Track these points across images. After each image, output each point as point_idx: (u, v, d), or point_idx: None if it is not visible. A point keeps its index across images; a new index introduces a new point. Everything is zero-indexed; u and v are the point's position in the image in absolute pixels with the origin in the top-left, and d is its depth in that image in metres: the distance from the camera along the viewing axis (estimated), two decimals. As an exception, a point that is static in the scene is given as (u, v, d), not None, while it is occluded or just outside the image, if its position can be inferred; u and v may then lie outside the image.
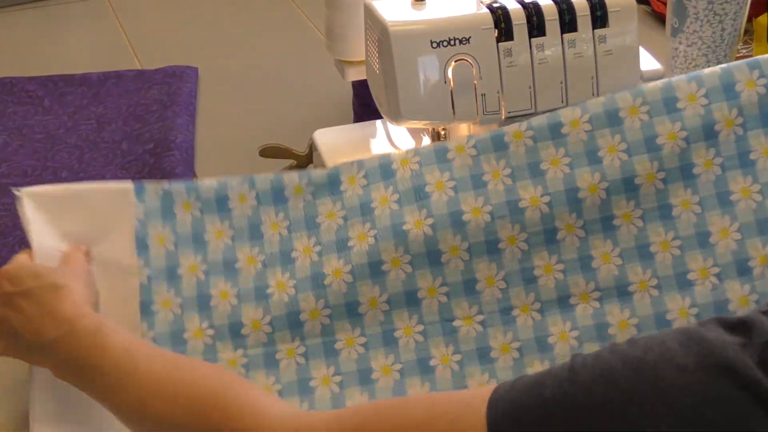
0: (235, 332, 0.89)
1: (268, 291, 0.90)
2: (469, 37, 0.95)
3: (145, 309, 0.89)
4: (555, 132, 0.91)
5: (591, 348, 0.88)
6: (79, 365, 0.80)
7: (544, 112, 0.98)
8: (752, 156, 0.89)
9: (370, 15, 0.98)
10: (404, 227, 0.89)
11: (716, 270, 0.89)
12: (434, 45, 0.95)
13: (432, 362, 0.89)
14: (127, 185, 0.91)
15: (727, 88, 0.89)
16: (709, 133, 0.89)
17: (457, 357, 0.89)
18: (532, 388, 0.64)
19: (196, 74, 1.48)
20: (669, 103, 0.90)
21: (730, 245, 0.89)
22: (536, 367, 0.88)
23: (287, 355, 0.89)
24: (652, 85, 0.90)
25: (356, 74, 1.13)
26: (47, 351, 0.81)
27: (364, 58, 1.06)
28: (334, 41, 1.12)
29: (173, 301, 0.89)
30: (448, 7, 0.98)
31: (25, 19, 1.71)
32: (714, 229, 0.89)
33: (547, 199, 0.89)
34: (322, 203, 0.93)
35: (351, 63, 1.12)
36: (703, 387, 0.60)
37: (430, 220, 0.89)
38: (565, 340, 0.89)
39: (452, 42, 0.95)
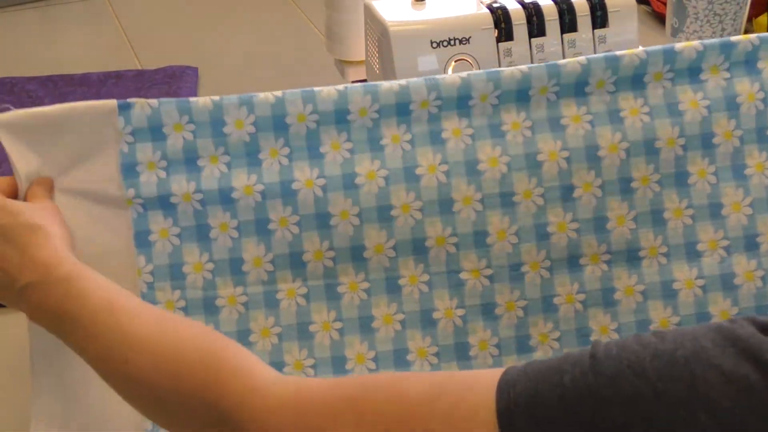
0: (235, 268, 0.87)
1: (270, 227, 0.87)
2: (469, 37, 0.95)
3: (141, 240, 0.85)
4: (579, 90, 0.89)
5: (595, 314, 0.88)
6: (55, 314, 0.74)
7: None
8: None
9: (370, 15, 0.98)
10: (417, 171, 0.87)
11: (725, 243, 0.89)
12: (434, 45, 0.95)
13: (435, 315, 0.88)
14: (111, 102, 0.85)
15: (750, 64, 0.89)
16: (731, 104, 0.89)
17: (461, 311, 0.88)
18: (548, 375, 0.60)
19: (196, 74, 1.48)
20: (693, 74, 0.89)
21: (741, 219, 0.89)
22: (540, 327, 0.88)
23: (288, 295, 0.87)
24: (678, 48, 0.89)
25: (356, 74, 1.13)
26: (21, 295, 0.76)
27: (364, 58, 1.06)
28: (334, 41, 1.12)
29: (170, 231, 0.86)
30: (448, 7, 0.98)
31: (25, 19, 1.71)
32: (727, 201, 0.89)
33: (566, 154, 0.87)
34: (326, 131, 0.87)
35: (351, 63, 1.12)
36: (745, 393, 0.57)
37: (444, 167, 0.87)
38: (571, 303, 0.88)
39: (452, 42, 0.95)
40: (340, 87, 0.87)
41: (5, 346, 1.00)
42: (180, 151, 0.86)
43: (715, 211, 0.89)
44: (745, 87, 0.89)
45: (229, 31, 1.64)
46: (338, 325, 0.87)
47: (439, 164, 0.86)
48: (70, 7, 1.75)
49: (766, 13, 1.36)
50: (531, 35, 0.96)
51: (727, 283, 0.88)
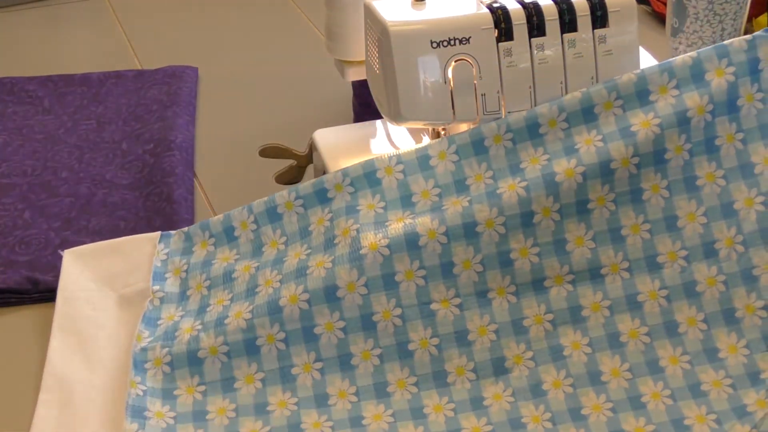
0: (219, 327, 0.92)
1: (257, 290, 0.93)
2: (469, 37, 0.95)
3: (149, 322, 0.95)
4: (533, 132, 0.94)
5: (565, 331, 0.90)
6: None
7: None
8: (717, 142, 0.92)
9: (370, 15, 0.98)
10: (386, 223, 0.92)
11: (684, 253, 0.91)
12: (434, 45, 0.95)
13: (410, 346, 0.90)
14: (155, 234, 1.02)
15: (697, 78, 0.93)
16: (681, 120, 0.92)
17: (435, 341, 0.90)
18: None
19: (196, 74, 1.48)
20: (642, 96, 0.93)
21: (697, 228, 0.91)
22: (512, 348, 0.90)
23: (267, 340, 0.91)
24: (626, 78, 0.94)
25: (356, 74, 1.13)
26: None
27: (364, 58, 1.06)
28: (334, 41, 1.12)
29: (176, 314, 0.96)
30: (448, 7, 0.98)
31: (25, 19, 1.71)
32: (681, 213, 0.92)
33: (524, 184, 0.91)
34: (314, 213, 0.96)
35: (351, 63, 1.12)
36: None
37: (411, 217, 0.92)
38: (540, 324, 0.91)
39: (452, 42, 0.95)
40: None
41: (6, 346, 1.00)
42: (201, 258, 1.00)
43: (671, 223, 0.92)
44: (695, 100, 0.92)
45: (229, 31, 1.64)
46: (319, 365, 0.90)
47: (407, 216, 0.92)
48: (70, 7, 1.75)
49: (766, 13, 1.36)
50: (531, 35, 0.96)
51: (689, 290, 0.91)
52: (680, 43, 1.23)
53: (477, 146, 0.95)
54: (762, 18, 1.36)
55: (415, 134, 1.10)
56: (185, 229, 1.02)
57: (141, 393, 0.88)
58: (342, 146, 1.09)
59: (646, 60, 1.03)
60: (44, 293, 1.04)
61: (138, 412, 0.87)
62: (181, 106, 1.37)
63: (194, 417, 0.88)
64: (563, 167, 0.91)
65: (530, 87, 0.97)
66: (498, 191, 0.91)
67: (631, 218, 0.92)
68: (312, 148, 1.13)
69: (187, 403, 0.89)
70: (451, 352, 0.90)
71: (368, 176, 0.95)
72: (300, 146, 1.15)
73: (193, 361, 0.90)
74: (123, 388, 0.90)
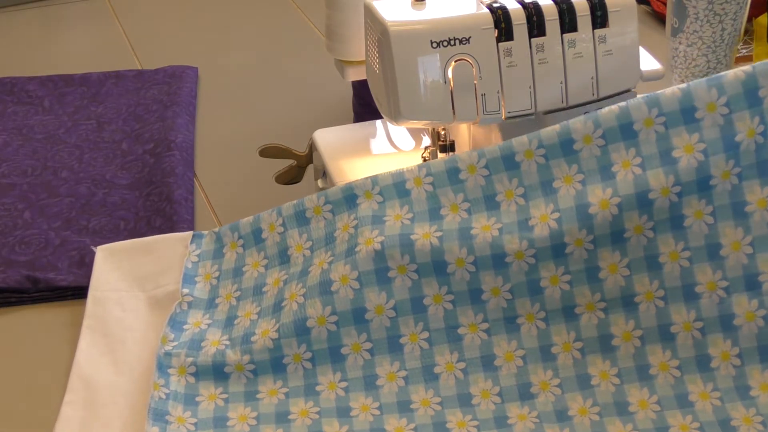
0: (245, 344, 0.91)
1: (283, 304, 0.92)
2: (469, 37, 0.95)
3: (175, 325, 0.94)
4: (567, 148, 0.90)
5: (594, 360, 0.88)
6: None
7: (545, 113, 0.98)
8: None
9: (370, 15, 0.98)
10: (412, 237, 0.90)
11: (724, 283, 0.87)
12: (434, 45, 0.95)
13: (436, 369, 0.89)
14: (186, 234, 1.03)
15: (750, 95, 0.86)
16: (729, 145, 0.86)
17: (462, 365, 0.89)
18: None
19: (196, 74, 1.48)
20: (687, 113, 0.87)
21: (741, 259, 0.86)
22: (539, 375, 0.88)
23: (294, 359, 0.90)
24: (669, 93, 0.88)
25: (356, 74, 1.12)
26: None
27: (364, 58, 1.06)
28: (334, 41, 1.12)
29: (203, 321, 0.95)
30: (448, 7, 0.97)
31: (25, 19, 1.71)
32: (725, 241, 0.87)
33: (557, 216, 0.88)
34: (340, 219, 0.94)
35: (351, 63, 1.12)
36: None
37: (438, 233, 0.90)
38: (569, 351, 0.89)
39: (452, 42, 0.95)
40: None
41: (6, 347, 1.00)
42: (232, 263, 0.99)
43: (713, 251, 0.87)
44: (745, 122, 0.86)
45: (229, 31, 1.64)
46: (344, 384, 0.90)
47: (434, 232, 0.90)
48: (70, 7, 1.75)
49: (766, 13, 1.36)
50: (531, 35, 0.96)
51: (726, 324, 0.86)
52: (680, 43, 1.23)
53: (508, 161, 0.92)
54: (762, 18, 1.36)
55: (415, 134, 1.10)
56: (216, 229, 1.02)
57: (164, 396, 0.88)
58: (342, 146, 1.09)
59: (646, 60, 1.03)
60: (44, 293, 1.04)
61: (160, 416, 0.86)
62: (181, 106, 1.37)
63: (215, 423, 0.87)
64: (598, 197, 0.87)
65: (530, 87, 0.97)
66: (529, 222, 0.89)
67: (670, 245, 0.87)
68: (312, 148, 1.13)
69: (208, 410, 0.88)
70: (476, 376, 0.89)
71: (397, 186, 0.94)
72: (300, 146, 1.15)
73: (218, 375, 0.90)
74: (147, 392, 0.89)
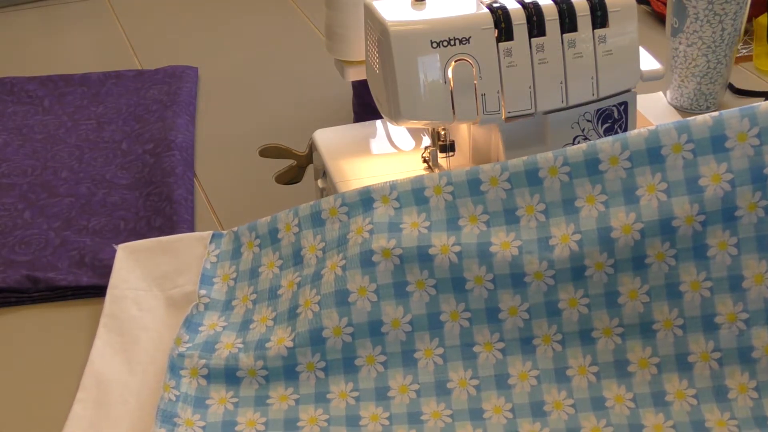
0: (260, 350, 0.91)
1: (298, 311, 0.92)
2: (469, 37, 0.95)
3: (191, 327, 0.94)
4: (592, 168, 0.89)
5: (609, 385, 0.87)
6: None
7: (545, 113, 0.98)
8: None
9: (370, 15, 0.98)
10: (430, 251, 0.89)
11: (745, 316, 0.86)
12: (434, 45, 0.95)
13: (449, 385, 0.89)
14: (206, 234, 1.03)
15: None
16: (757, 177, 0.85)
17: (475, 382, 0.89)
18: None
19: (196, 74, 1.48)
20: (717, 142, 0.86)
21: (764, 292, 0.86)
22: (553, 394, 0.88)
23: (307, 368, 0.90)
24: (700, 120, 0.87)
25: (356, 74, 1.12)
26: None
27: (364, 58, 1.06)
28: (334, 41, 1.12)
29: (219, 323, 0.95)
30: (448, 7, 0.97)
31: (25, 19, 1.71)
32: (748, 273, 0.86)
33: (578, 237, 0.88)
34: (354, 222, 0.94)
35: (351, 63, 1.12)
36: None
37: (457, 248, 0.89)
38: (584, 375, 0.88)
39: (452, 42, 0.95)
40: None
41: (6, 347, 1.00)
42: (249, 263, 0.99)
43: (735, 283, 0.86)
44: None
45: (229, 31, 1.64)
46: (355, 394, 0.90)
47: (452, 245, 0.89)
48: (70, 7, 1.75)
49: (766, 13, 1.36)
50: (531, 35, 0.96)
51: (744, 356, 0.86)
52: (680, 43, 1.24)
53: (531, 176, 0.91)
54: (762, 18, 1.36)
55: (415, 134, 1.10)
56: (235, 228, 1.02)
57: (174, 398, 0.88)
58: (342, 146, 1.09)
59: (646, 60, 1.03)
60: (44, 292, 1.04)
61: (168, 418, 0.86)
62: (181, 106, 1.37)
63: (223, 427, 0.87)
64: (621, 222, 0.86)
65: (530, 87, 0.97)
66: (550, 242, 0.88)
67: (692, 274, 0.86)
68: (312, 148, 1.13)
69: (217, 413, 0.88)
70: (489, 393, 0.89)
71: (415, 193, 0.93)
72: (300, 146, 1.15)
73: (230, 379, 0.90)
74: (158, 392, 0.89)
